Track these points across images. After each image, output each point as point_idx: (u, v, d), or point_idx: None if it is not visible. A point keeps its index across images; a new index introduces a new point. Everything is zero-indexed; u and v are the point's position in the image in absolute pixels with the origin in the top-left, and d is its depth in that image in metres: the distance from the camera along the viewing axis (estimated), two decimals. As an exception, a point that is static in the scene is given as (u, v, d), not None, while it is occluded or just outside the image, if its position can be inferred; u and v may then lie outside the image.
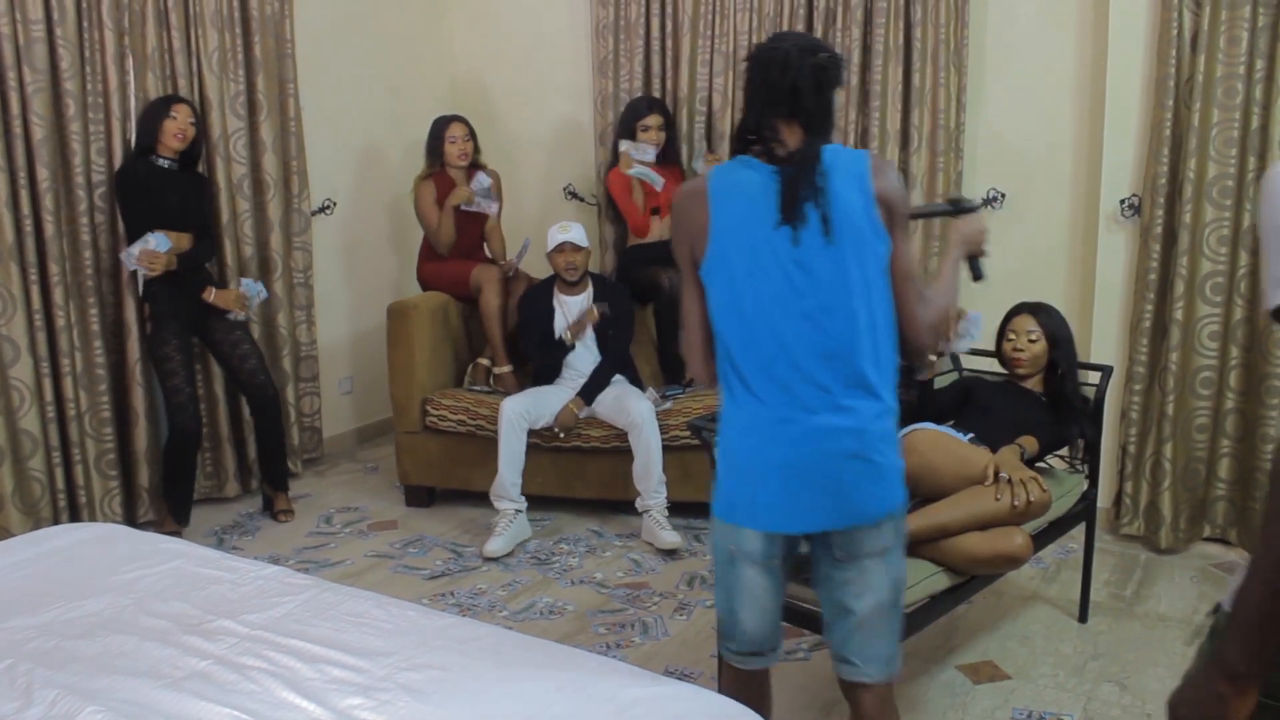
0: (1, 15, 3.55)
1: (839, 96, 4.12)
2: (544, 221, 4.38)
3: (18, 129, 3.62)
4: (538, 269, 4.40)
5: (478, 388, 4.36)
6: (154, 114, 3.79)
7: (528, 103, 5.22)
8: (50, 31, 3.68)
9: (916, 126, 4.09)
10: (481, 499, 4.12)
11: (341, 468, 4.88)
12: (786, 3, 4.28)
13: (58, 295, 3.75)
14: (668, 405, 4.05)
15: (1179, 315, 3.63)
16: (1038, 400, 3.09)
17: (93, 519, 3.84)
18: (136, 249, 3.72)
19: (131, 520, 3.98)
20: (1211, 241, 3.56)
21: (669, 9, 4.60)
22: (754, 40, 4.29)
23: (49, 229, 3.71)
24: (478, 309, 4.39)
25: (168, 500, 3.99)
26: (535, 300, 4.17)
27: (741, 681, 2.10)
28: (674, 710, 1.80)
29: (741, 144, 1.95)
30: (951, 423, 3.00)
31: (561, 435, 3.99)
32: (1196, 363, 3.64)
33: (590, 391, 4.01)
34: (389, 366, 4.31)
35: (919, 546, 2.59)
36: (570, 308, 4.12)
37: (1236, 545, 3.72)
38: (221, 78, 4.20)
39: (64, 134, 3.76)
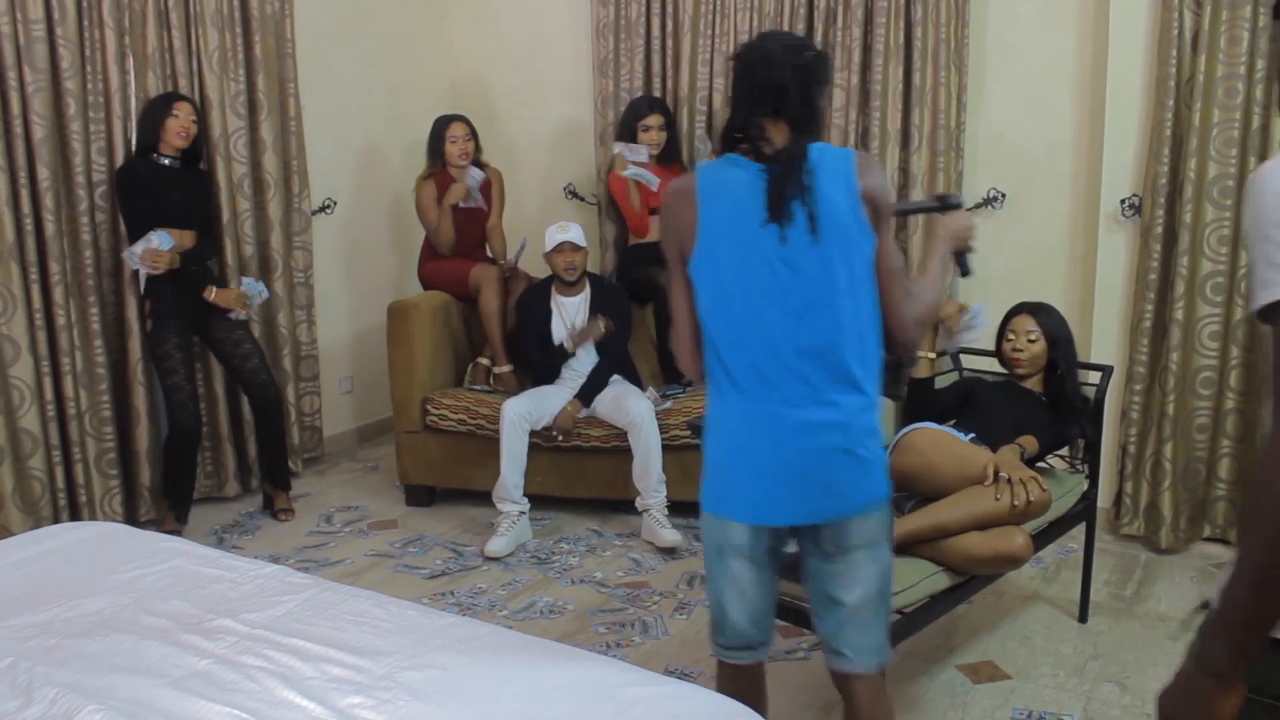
0: (2, 14, 3.55)
1: (828, 95, 4.15)
2: (544, 221, 4.37)
3: (18, 128, 3.62)
4: (536, 269, 4.40)
5: (478, 387, 4.36)
6: (156, 112, 3.79)
7: (528, 103, 5.22)
8: (51, 31, 3.68)
9: (917, 126, 4.09)
10: (481, 498, 4.12)
11: (342, 467, 4.88)
12: (787, 2, 4.28)
13: (58, 294, 3.76)
14: (668, 405, 4.05)
15: (1179, 315, 3.63)
16: (1038, 400, 3.09)
17: (93, 518, 3.84)
18: (139, 248, 3.72)
19: (132, 519, 3.98)
20: (1212, 241, 3.56)
21: (669, 8, 4.60)
22: (755, 40, 4.29)
23: (49, 228, 3.71)
24: (477, 308, 4.39)
25: (167, 498, 3.99)
26: (533, 302, 4.17)
27: (735, 677, 2.11)
28: (674, 709, 1.80)
29: (729, 142, 1.97)
30: (952, 422, 3.00)
31: (560, 438, 3.99)
32: (1197, 363, 3.64)
33: (588, 393, 4.01)
34: (389, 366, 4.32)
35: (919, 546, 2.59)
36: (568, 309, 4.12)
37: (1237, 545, 3.71)
38: (222, 77, 4.21)
39: (64, 133, 3.76)
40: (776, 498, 1.93)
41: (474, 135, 4.45)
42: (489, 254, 4.59)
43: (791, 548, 2.06)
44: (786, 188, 1.86)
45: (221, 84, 4.21)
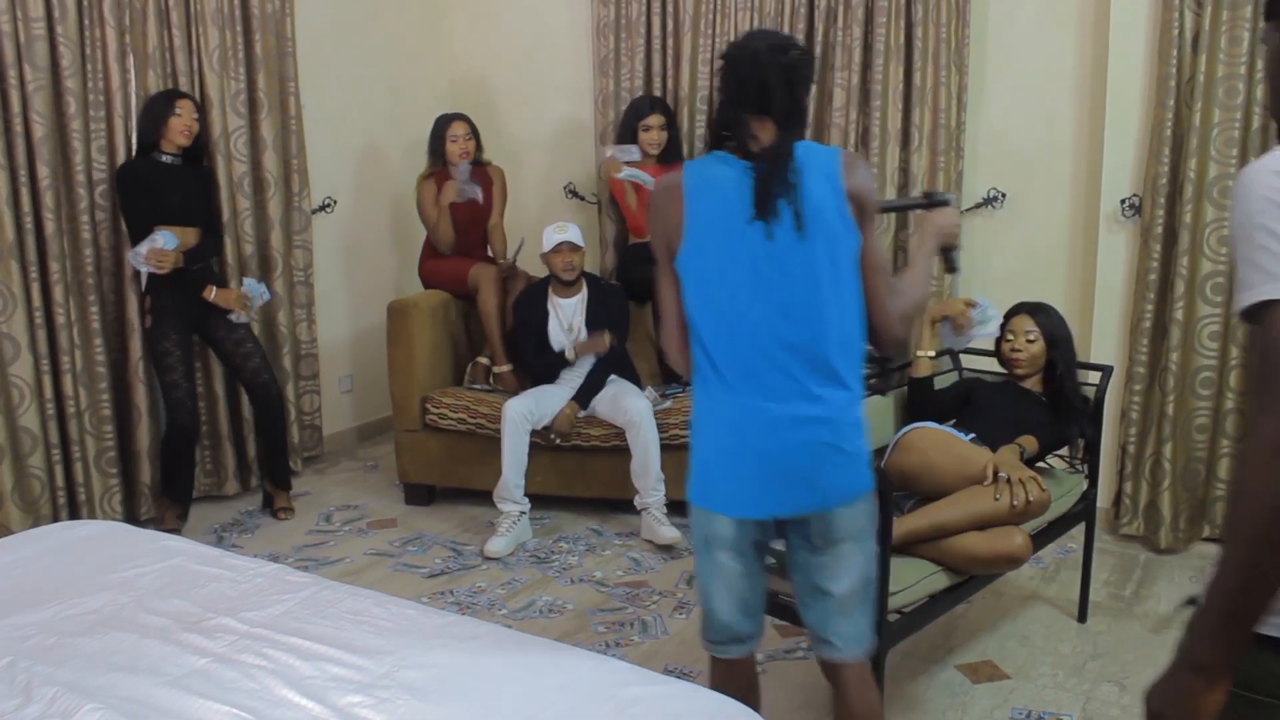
0: (2, 13, 3.55)
1: (831, 93, 4.17)
2: (544, 220, 4.37)
3: (18, 127, 3.62)
4: (536, 269, 4.39)
5: (477, 386, 4.36)
6: (157, 110, 3.78)
7: (528, 102, 5.22)
8: (51, 29, 3.68)
9: (917, 126, 4.09)
10: (481, 497, 4.12)
11: (341, 466, 4.88)
12: (787, 2, 4.28)
13: (58, 293, 3.76)
14: (667, 404, 4.05)
15: (1179, 315, 3.63)
16: (1038, 400, 3.09)
17: (92, 517, 3.84)
18: (144, 248, 3.71)
19: (132, 518, 3.98)
20: (1212, 241, 3.56)
21: (670, 8, 4.59)
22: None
23: (49, 227, 3.71)
24: (476, 308, 4.39)
25: (166, 496, 3.99)
26: (529, 304, 4.17)
27: (727, 672, 2.13)
28: (673, 709, 1.80)
29: (717, 140, 1.98)
30: (952, 422, 3.00)
31: (558, 442, 3.99)
32: (1196, 363, 3.64)
33: (586, 395, 4.01)
34: (389, 365, 4.31)
35: (918, 546, 2.59)
36: (565, 310, 4.11)
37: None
38: (222, 76, 4.21)
39: (65, 132, 3.76)
40: (761, 491, 1.96)
41: (475, 134, 4.45)
42: (489, 253, 4.58)
43: (779, 546, 2.08)
44: (773, 185, 1.89)
45: (222, 83, 4.20)
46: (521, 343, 4.20)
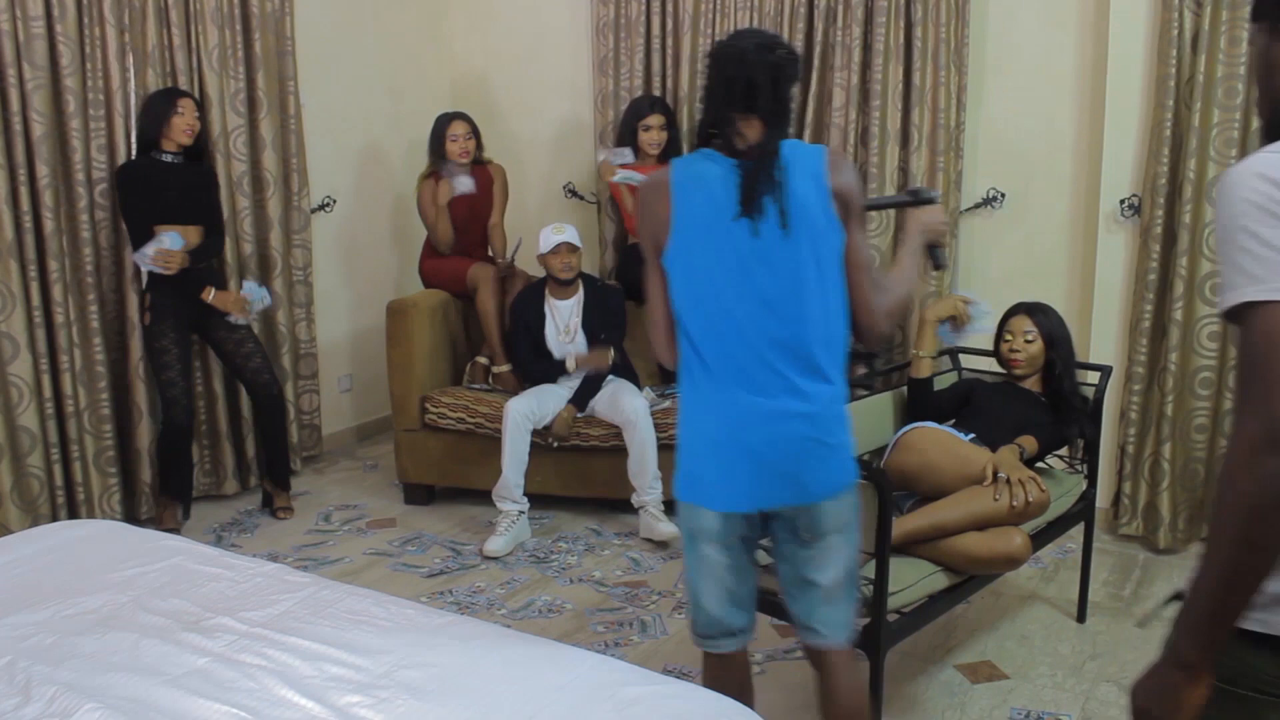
0: (2, 11, 3.55)
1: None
2: (544, 220, 4.37)
3: (17, 126, 3.62)
4: (535, 268, 4.39)
5: (477, 386, 4.36)
6: (158, 109, 3.77)
7: (528, 102, 5.22)
8: (50, 28, 3.68)
9: (917, 125, 4.09)
10: (480, 497, 4.12)
11: (340, 465, 4.88)
12: (787, 2, 4.28)
13: (57, 292, 3.75)
14: (666, 404, 4.05)
15: (1178, 315, 3.63)
16: (1037, 400, 3.09)
17: (91, 516, 3.84)
18: (151, 249, 3.70)
19: (131, 518, 3.98)
20: (1211, 242, 3.56)
21: (669, 7, 4.59)
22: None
23: (48, 226, 3.71)
24: (475, 307, 4.39)
25: (164, 494, 3.99)
26: (525, 306, 4.16)
27: (720, 668, 2.15)
28: (672, 708, 1.80)
29: (703, 137, 2.01)
30: (952, 422, 3.00)
31: (555, 445, 4.00)
32: (1196, 363, 3.64)
33: (583, 397, 4.01)
34: (388, 364, 4.31)
35: (918, 546, 2.59)
36: (561, 312, 4.11)
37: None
38: (221, 75, 4.20)
39: (64, 131, 3.76)
40: (747, 485, 1.98)
41: (475, 133, 4.44)
42: (489, 253, 4.58)
43: (765, 542, 2.10)
44: (759, 183, 1.91)
45: (221, 82, 4.20)
46: (516, 345, 4.20)
